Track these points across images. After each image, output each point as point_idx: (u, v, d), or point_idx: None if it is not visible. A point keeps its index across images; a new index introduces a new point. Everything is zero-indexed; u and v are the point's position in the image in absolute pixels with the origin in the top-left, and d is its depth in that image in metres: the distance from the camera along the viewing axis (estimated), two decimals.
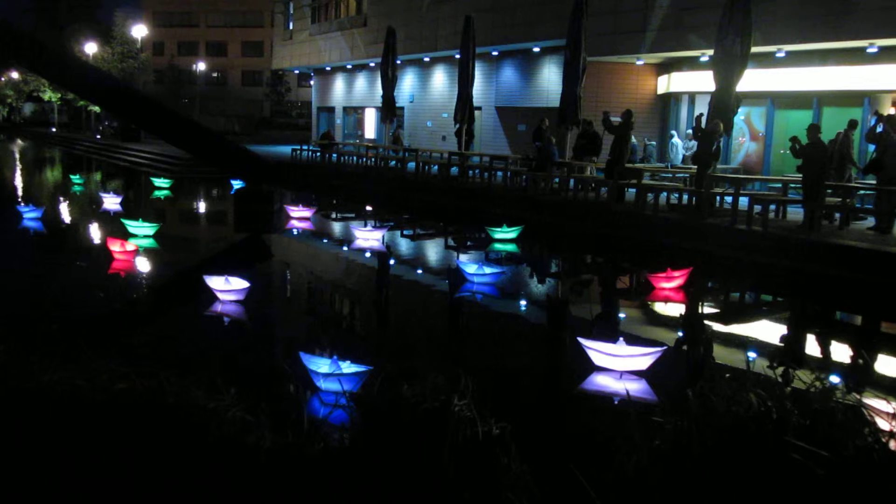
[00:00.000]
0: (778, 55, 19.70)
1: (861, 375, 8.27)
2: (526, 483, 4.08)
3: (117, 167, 36.97)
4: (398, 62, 29.22)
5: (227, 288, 10.14)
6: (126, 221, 15.45)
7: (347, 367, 6.79)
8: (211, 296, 10.14)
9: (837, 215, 14.95)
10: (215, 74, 76.86)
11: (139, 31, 60.96)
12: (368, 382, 6.21)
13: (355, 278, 13.83)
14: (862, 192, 15.71)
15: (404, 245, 17.35)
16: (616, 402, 7.07)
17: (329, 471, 3.92)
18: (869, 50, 18.10)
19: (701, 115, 16.84)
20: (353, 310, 11.55)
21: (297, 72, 55.60)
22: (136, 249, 13.26)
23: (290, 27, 44.18)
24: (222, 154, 21.38)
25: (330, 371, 6.77)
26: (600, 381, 7.57)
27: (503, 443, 4.10)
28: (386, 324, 10.58)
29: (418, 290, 12.85)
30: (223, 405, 4.27)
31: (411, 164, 25.35)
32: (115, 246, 13.02)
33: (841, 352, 10.05)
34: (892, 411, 4.18)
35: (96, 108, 56.36)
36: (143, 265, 13.24)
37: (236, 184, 22.24)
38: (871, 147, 15.66)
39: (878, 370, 9.06)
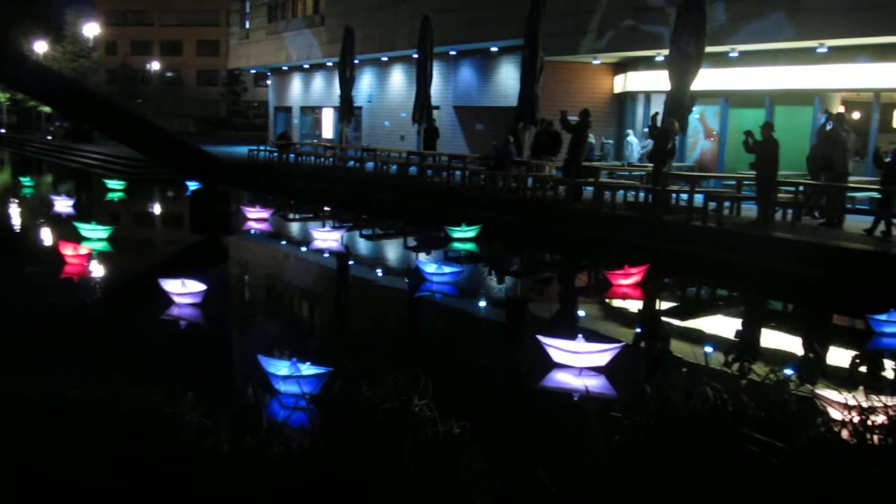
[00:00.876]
0: (731, 55, 20.02)
1: (814, 367, 8.44)
2: (488, 481, 4.09)
3: (69, 169, 36.26)
4: (356, 62, 29.10)
5: (184, 291, 9.99)
6: (79, 224, 15.15)
7: (307, 369, 6.75)
8: (167, 299, 9.99)
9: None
10: (170, 74, 75.73)
11: (91, 29, 59.86)
12: (328, 384, 6.17)
13: (314, 279, 13.75)
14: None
15: (363, 245, 17.30)
16: (576, 399, 7.12)
17: (290, 473, 3.88)
18: (819, 50, 18.47)
19: (657, 113, 17.04)
20: (312, 311, 11.48)
21: (253, 71, 55.11)
22: (89, 253, 13.00)
23: (247, 26, 43.76)
24: (178, 155, 21.09)
25: (289, 373, 6.72)
26: (560, 378, 7.62)
27: (464, 441, 4.10)
28: (345, 325, 10.53)
29: (378, 290, 12.81)
30: (180, 410, 4.21)
31: (370, 164, 25.27)
32: (67, 250, 12.76)
33: (795, 345, 10.25)
34: (843, 401, 4.28)
35: (47, 109, 55.23)
36: (97, 269, 13.00)
37: (192, 185, 21.95)
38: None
39: (831, 362, 9.26)
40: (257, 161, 30.68)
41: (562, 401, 7.30)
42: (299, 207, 23.95)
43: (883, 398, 4.28)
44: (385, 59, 32.54)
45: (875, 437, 3.93)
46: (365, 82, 34.33)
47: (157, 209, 24.74)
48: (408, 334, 10.09)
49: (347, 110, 28.50)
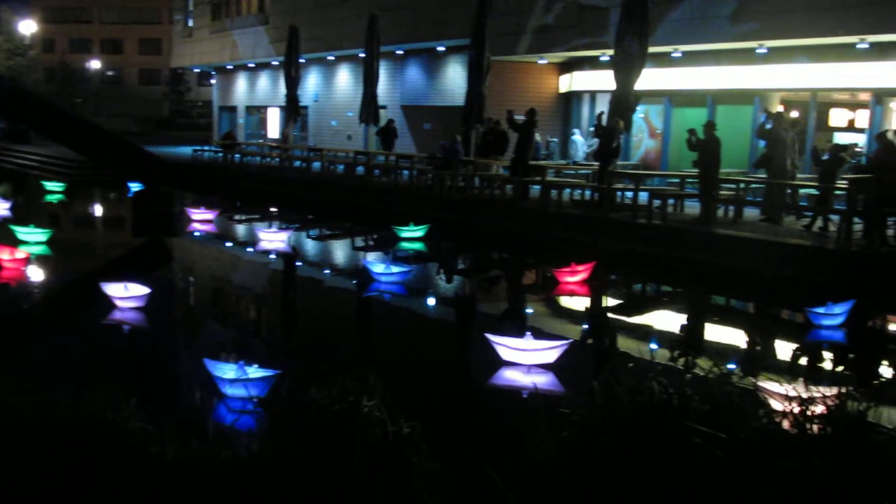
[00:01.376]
0: (674, 55, 20.36)
1: (756, 360, 8.63)
2: (438, 480, 4.09)
3: (4, 170, 35.22)
4: (302, 61, 28.85)
5: (126, 295, 9.79)
6: (16, 228, 14.73)
7: (254, 372, 6.67)
8: (109, 304, 9.77)
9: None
10: (110, 73, 74.11)
11: (27, 27, 58.22)
12: (276, 387, 6.11)
13: (261, 281, 13.60)
14: (753, 185, 16.37)
15: (310, 246, 17.17)
16: (525, 396, 7.17)
17: (238, 478, 3.83)
18: (758, 51, 18.90)
19: (602, 113, 17.25)
20: (259, 313, 11.35)
21: (197, 70, 54.26)
22: (27, 257, 12.65)
23: (190, 24, 43.05)
24: (119, 156, 20.66)
25: (236, 377, 6.63)
26: (509, 376, 7.66)
27: (414, 441, 4.10)
28: (293, 326, 10.44)
29: (326, 291, 12.73)
30: (123, 416, 4.12)
31: (317, 164, 25.09)
32: (4, 254, 12.38)
33: (738, 338, 10.46)
34: (784, 393, 4.38)
35: None
36: (36, 274, 12.66)
37: (134, 186, 21.51)
38: (762, 143, 16.32)
39: (772, 354, 9.48)
40: (202, 161, 30.23)
41: (511, 398, 7.34)
42: (245, 208, 23.66)
43: (822, 389, 4.40)
44: (331, 58, 32.33)
45: (815, 427, 4.04)
46: (311, 81, 34.07)
47: (97, 211, 24.19)
48: (356, 335, 10.05)
49: (293, 110, 28.25)
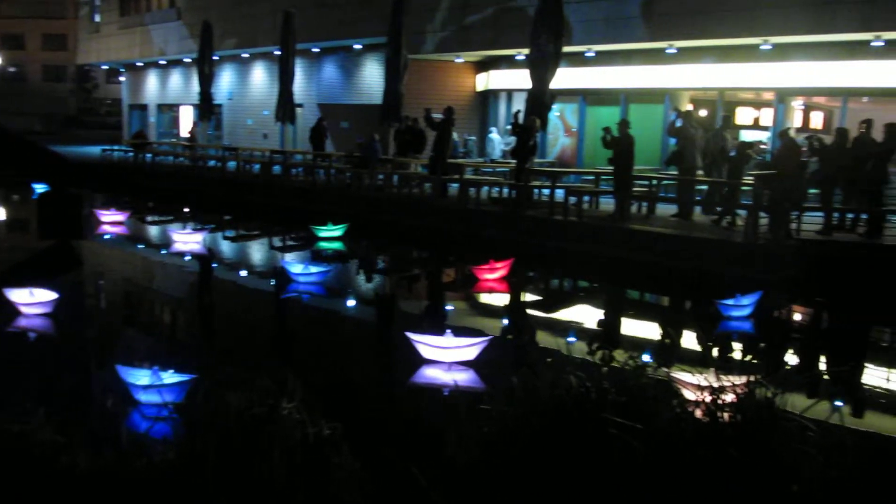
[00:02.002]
0: (588, 55, 20.74)
1: (670, 351, 8.87)
2: (360, 481, 4.07)
3: None
4: (215, 58, 28.25)
5: (32, 301, 9.41)
6: None
7: (169, 378, 6.50)
8: (13, 310, 9.36)
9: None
10: (12, 69, 71.08)
11: None
12: (192, 391, 5.97)
13: (175, 284, 13.27)
14: (665, 181, 16.83)
15: (227, 247, 16.84)
16: (446, 393, 7.19)
17: (154, 487, 3.73)
18: (668, 51, 19.43)
19: (518, 111, 17.43)
20: (174, 317, 11.06)
21: (105, 67, 52.50)
22: None
23: (97, 19, 41.60)
24: (21, 155, 19.83)
25: (150, 383, 6.45)
26: (430, 374, 7.68)
27: (335, 443, 4.06)
28: (210, 330, 10.22)
29: (243, 292, 12.51)
30: (30, 427, 3.96)
31: (232, 164, 24.61)
32: None
33: (652, 331, 10.74)
34: (696, 383, 4.51)
35: None
36: None
37: (39, 188, 20.68)
38: (672, 140, 16.78)
39: (685, 345, 9.76)
40: (111, 161, 29.28)
41: (432, 396, 7.36)
42: (158, 209, 23.02)
43: (732, 378, 4.54)
44: (246, 55, 31.78)
45: (725, 415, 4.17)
46: (225, 79, 33.41)
47: (0, 214, 23.17)
48: (275, 337, 9.90)
49: (207, 108, 27.65)
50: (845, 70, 17.44)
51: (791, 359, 9.32)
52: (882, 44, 16.38)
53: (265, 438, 3.81)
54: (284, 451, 3.82)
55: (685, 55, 19.46)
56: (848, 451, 4.08)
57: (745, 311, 10.15)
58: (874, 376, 8.91)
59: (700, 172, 15.82)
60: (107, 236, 16.75)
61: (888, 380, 8.79)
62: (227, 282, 13.22)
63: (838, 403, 6.45)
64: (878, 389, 8.32)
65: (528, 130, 16.25)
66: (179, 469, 3.79)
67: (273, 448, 3.78)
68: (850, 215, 13.67)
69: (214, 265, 14.40)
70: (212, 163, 25.90)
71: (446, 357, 7.80)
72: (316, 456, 3.90)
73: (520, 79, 19.87)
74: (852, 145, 13.34)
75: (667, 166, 17.42)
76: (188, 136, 28.44)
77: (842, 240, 12.79)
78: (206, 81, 27.13)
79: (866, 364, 9.35)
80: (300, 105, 26.97)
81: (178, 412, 4.52)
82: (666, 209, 15.93)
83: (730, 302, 10.10)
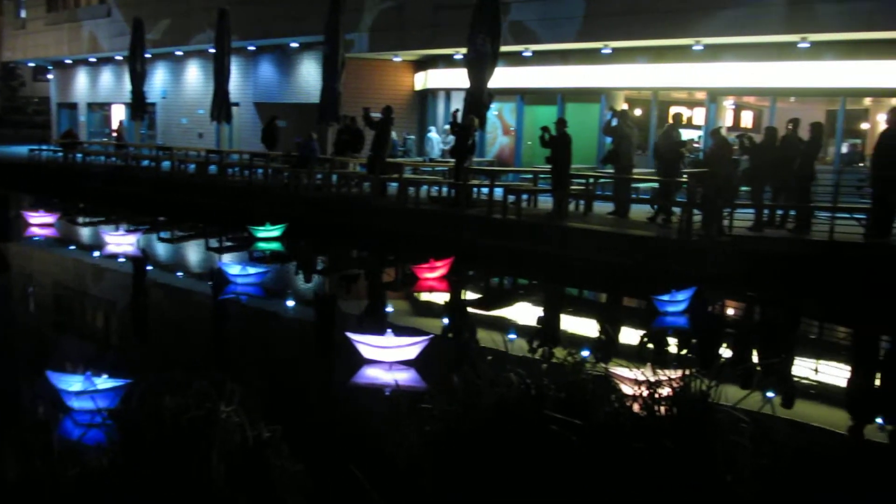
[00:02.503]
0: (525, 54, 20.93)
1: (608, 347, 8.99)
2: (301, 483, 4.04)
3: None
4: (147, 55, 27.67)
5: None
6: None
7: (102, 383, 6.34)
8: None
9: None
10: None
11: None
12: (127, 397, 5.83)
13: (109, 287, 12.95)
14: (602, 180, 17.09)
15: (162, 249, 16.50)
16: (387, 393, 7.17)
17: (88, 496, 3.64)
18: (603, 51, 19.72)
19: (457, 110, 17.48)
20: (107, 321, 10.79)
21: (32, 65, 50.83)
22: None
23: (23, 15, 40.31)
24: None
25: (83, 388, 6.28)
26: (371, 374, 7.65)
27: (275, 445, 4.02)
28: (145, 333, 10.00)
29: (179, 295, 12.28)
30: None
31: (166, 164, 24.12)
32: None
33: (590, 327, 10.88)
34: (634, 377, 4.59)
35: None
36: None
37: None
38: (608, 139, 17.04)
39: (622, 341, 9.91)
40: (40, 162, 28.43)
41: (374, 396, 7.33)
42: (89, 211, 22.44)
43: (668, 372, 4.64)
44: (180, 53, 31.19)
45: (662, 409, 4.26)
46: (158, 77, 32.76)
47: None
48: (213, 339, 9.75)
49: (140, 107, 27.08)
50: (773, 71, 17.98)
51: (725, 352, 9.54)
52: (808, 46, 16.92)
53: (203, 442, 3.75)
54: (224, 455, 3.76)
55: (620, 55, 19.80)
56: (778, 441, 4.21)
57: (681, 307, 10.37)
58: (803, 367, 9.20)
59: (637, 171, 16.11)
60: (35, 238, 16.25)
61: (816, 370, 9.09)
62: (162, 284, 12.96)
63: (770, 395, 6.64)
64: (806, 380, 8.58)
65: (467, 129, 16.31)
66: (115, 476, 3.70)
67: (212, 452, 3.72)
68: (779, 212, 14.09)
69: (149, 267, 14.09)
70: (145, 163, 25.36)
71: (387, 357, 7.78)
72: (256, 459, 3.85)
73: (458, 78, 19.93)
74: (780, 144, 13.74)
75: (603, 165, 17.69)
76: (117, 135, 27.77)
77: (771, 236, 13.17)
78: (139, 79, 26.58)
79: (796, 355, 9.65)
80: (236, 104, 26.63)
81: (113, 418, 4.40)
82: (603, 207, 16.18)
83: (665, 297, 10.31)
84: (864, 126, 19.76)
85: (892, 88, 17.27)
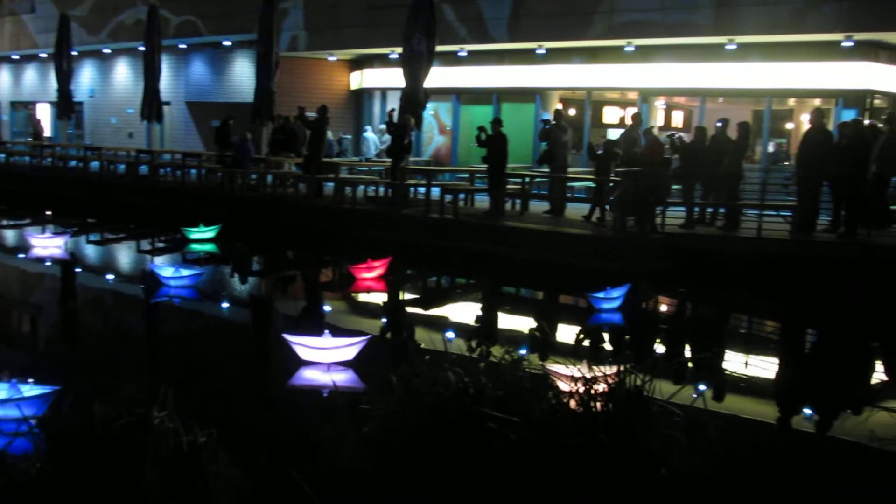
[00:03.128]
0: (460, 54, 20.99)
1: (545, 345, 9.10)
2: (237, 487, 3.98)
3: None
4: (74, 53, 26.89)
5: None
6: None
7: (29, 390, 6.13)
8: None
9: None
10: None
11: None
12: (55, 404, 5.67)
13: (36, 291, 12.55)
14: (538, 179, 17.25)
15: (91, 251, 16.07)
16: (326, 395, 7.12)
17: None
18: (538, 51, 19.91)
19: (393, 110, 17.44)
20: (34, 327, 10.46)
21: None
22: None
23: None
24: None
25: (8, 396, 6.07)
26: (309, 376, 7.58)
27: (211, 450, 3.96)
28: (75, 338, 9.72)
29: (110, 298, 11.98)
30: None
31: (95, 164, 23.49)
32: None
33: (527, 325, 10.98)
34: (570, 374, 4.65)
35: None
36: None
37: None
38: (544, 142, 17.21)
39: (559, 338, 10.04)
40: None
41: (312, 397, 7.27)
42: (13, 213, 21.69)
43: (603, 368, 4.71)
44: (108, 50, 30.41)
45: (598, 404, 4.32)
46: (86, 75, 31.86)
47: None
48: (146, 343, 9.53)
49: (66, 106, 26.32)
50: (703, 72, 18.40)
51: (658, 348, 9.73)
52: (735, 47, 17.36)
53: (136, 449, 3.67)
54: (157, 462, 3.68)
55: (554, 56, 20.02)
56: (710, 434, 4.31)
57: (615, 304, 10.53)
58: (733, 361, 9.45)
59: (571, 170, 16.32)
60: None
61: (746, 363, 9.34)
62: (91, 287, 12.61)
63: (702, 388, 6.80)
64: (736, 374, 8.82)
65: (403, 129, 16.30)
66: (42, 486, 3.59)
67: (145, 459, 3.64)
68: (709, 210, 14.43)
69: (78, 270, 13.71)
70: (73, 163, 24.65)
71: (325, 358, 7.72)
72: (191, 464, 3.78)
73: (394, 77, 19.90)
74: (710, 143, 14.08)
75: (539, 165, 17.86)
76: (33, 134, 26.93)
77: (702, 233, 13.48)
78: (65, 78, 25.82)
79: (726, 349, 9.90)
80: (167, 103, 26.10)
81: (40, 426, 4.27)
82: (539, 206, 16.34)
83: (600, 295, 10.46)
84: (789, 126, 20.39)
85: (815, 89, 17.86)
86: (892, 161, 12.68)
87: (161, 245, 16.99)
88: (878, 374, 9.45)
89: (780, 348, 10.51)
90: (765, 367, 9.47)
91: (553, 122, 16.00)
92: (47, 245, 14.60)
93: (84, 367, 7.88)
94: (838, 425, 7.00)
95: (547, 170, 16.47)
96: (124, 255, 15.85)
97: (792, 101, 20.06)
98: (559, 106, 20.32)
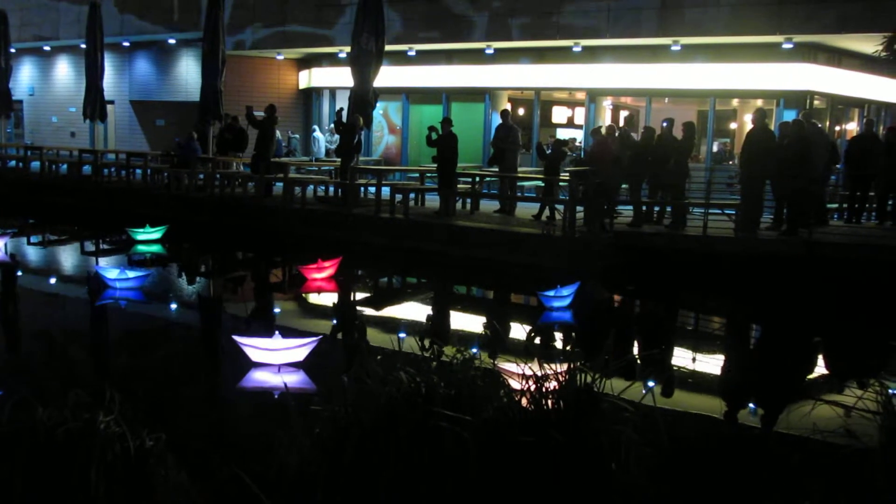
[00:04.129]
0: (409, 53, 20.98)
1: (496, 343, 9.14)
2: (186, 491, 3.93)
3: None
4: (12, 50, 26.21)
5: None
6: None
7: None
8: None
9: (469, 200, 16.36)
10: None
11: None
12: None
13: None
14: (488, 178, 17.33)
15: (32, 253, 15.68)
16: (276, 396, 7.06)
17: None
18: (487, 51, 20.00)
19: (342, 109, 17.38)
20: None
21: None
22: None
23: None
24: None
25: None
26: (259, 377, 7.50)
27: (159, 454, 3.90)
28: (16, 343, 9.47)
29: (53, 301, 11.69)
30: None
31: (36, 164, 22.91)
32: None
33: (479, 324, 11.03)
34: (521, 372, 4.68)
35: None
36: None
37: None
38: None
39: (511, 337, 10.09)
40: None
41: (263, 399, 7.19)
42: None
43: (554, 365, 4.75)
44: (48, 48, 29.71)
45: (549, 402, 4.35)
46: (25, 73, 31.10)
47: None
48: (91, 347, 9.33)
49: (5, 104, 25.64)
50: (648, 72, 18.68)
51: (609, 345, 9.85)
52: (679, 48, 17.66)
53: (82, 454, 3.59)
54: (103, 467, 3.61)
55: (503, 56, 20.13)
56: (660, 429, 4.38)
57: (565, 302, 10.63)
58: (681, 357, 9.61)
59: (521, 169, 16.44)
60: None
61: (694, 359, 9.51)
62: (32, 291, 12.30)
63: (651, 384, 6.90)
64: (685, 369, 8.97)
65: (352, 128, 16.23)
66: None
67: (91, 464, 3.57)
68: (656, 208, 14.66)
69: (18, 273, 13.35)
70: (12, 163, 24.02)
71: (275, 359, 7.65)
72: (138, 469, 3.72)
73: (343, 77, 19.80)
74: (656, 142, 14.30)
75: (490, 165, 17.95)
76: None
77: (650, 231, 13.69)
78: (3, 75, 25.17)
79: (675, 346, 10.07)
80: (111, 102, 25.61)
81: None
82: (489, 205, 16.42)
83: (550, 293, 10.55)
84: (733, 126, 20.83)
85: (757, 90, 18.26)
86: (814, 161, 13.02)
87: (106, 246, 16.65)
88: (820, 368, 9.71)
89: (727, 344, 10.72)
90: (712, 362, 9.66)
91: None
92: None
93: (26, 371, 7.69)
94: (783, 418, 7.17)
95: (497, 169, 16.56)
96: (68, 257, 15.49)
97: (735, 102, 20.50)
98: (508, 105, 20.47)
